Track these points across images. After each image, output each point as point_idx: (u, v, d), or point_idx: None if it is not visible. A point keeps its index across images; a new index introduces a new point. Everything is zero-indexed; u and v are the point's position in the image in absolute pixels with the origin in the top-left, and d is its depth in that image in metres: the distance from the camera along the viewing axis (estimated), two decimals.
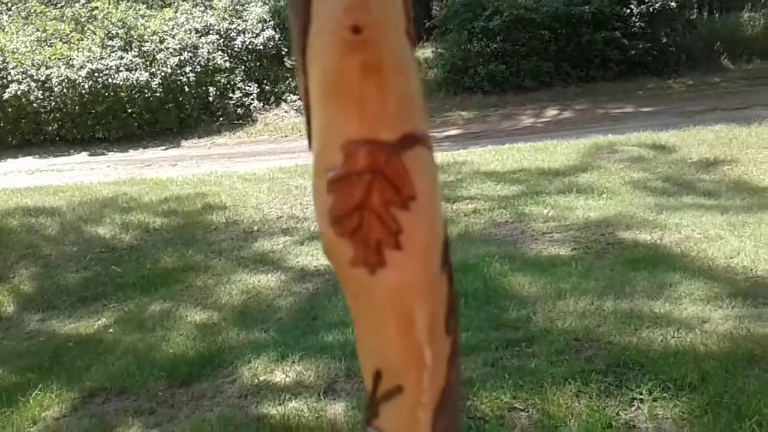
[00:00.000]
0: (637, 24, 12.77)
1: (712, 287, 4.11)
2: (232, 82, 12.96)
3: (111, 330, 4.59)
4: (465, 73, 12.92)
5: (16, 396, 3.73)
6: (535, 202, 6.15)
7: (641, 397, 3.04)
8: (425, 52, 15.70)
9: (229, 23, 13.28)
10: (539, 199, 6.20)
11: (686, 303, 3.92)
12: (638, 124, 9.26)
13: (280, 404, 3.36)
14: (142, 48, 12.44)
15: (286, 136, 12.03)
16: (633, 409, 3.00)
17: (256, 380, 3.63)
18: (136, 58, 12.22)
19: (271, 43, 13.23)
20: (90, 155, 12.02)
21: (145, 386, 3.71)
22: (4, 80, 12.22)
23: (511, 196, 6.44)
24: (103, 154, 12.05)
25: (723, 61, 13.73)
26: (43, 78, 12.13)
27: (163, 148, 12.09)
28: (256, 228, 6.41)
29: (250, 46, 13.19)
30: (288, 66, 13.44)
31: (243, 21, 13.45)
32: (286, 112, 13.11)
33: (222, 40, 13.05)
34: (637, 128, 8.81)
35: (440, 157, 8.44)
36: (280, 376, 3.65)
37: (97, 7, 12.96)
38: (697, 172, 6.63)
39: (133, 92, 12.09)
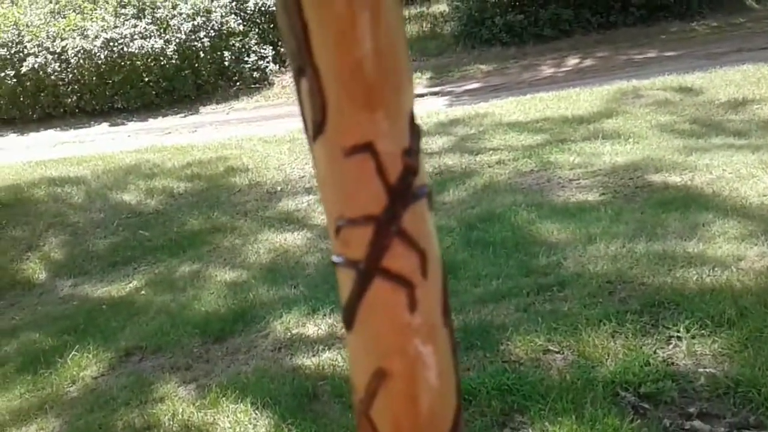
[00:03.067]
0: None
1: (747, 225, 4.03)
2: (246, 46, 12.84)
3: (143, 292, 4.63)
4: (482, 25, 12.66)
5: (54, 358, 3.80)
6: (560, 150, 6.05)
7: (678, 334, 3.01)
8: (440, 6, 15.45)
9: None
10: (564, 147, 6.10)
11: (720, 242, 3.85)
12: (662, 69, 9.04)
13: (314, 355, 3.37)
14: (155, 14, 12.34)
15: None
16: (671, 347, 2.97)
17: (289, 334, 3.64)
18: (149, 26, 12.14)
19: None
20: (110, 126, 12.05)
21: (179, 344, 3.75)
22: (21, 54, 12.22)
23: (535, 145, 6.35)
24: (123, 124, 12.07)
25: (747, 2, 13.33)
26: (59, 50, 12.11)
27: (182, 115, 12.07)
28: (279, 188, 6.40)
29: (263, 8, 13.03)
30: None
31: None
32: None
33: (235, 3, 12.90)
34: (661, 73, 8.60)
35: (461, 110, 8.36)
36: (312, 329, 3.66)
37: None
38: (726, 112, 6.47)
39: (149, 60, 12.04)
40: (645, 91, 7.67)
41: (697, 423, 2.46)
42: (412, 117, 0.63)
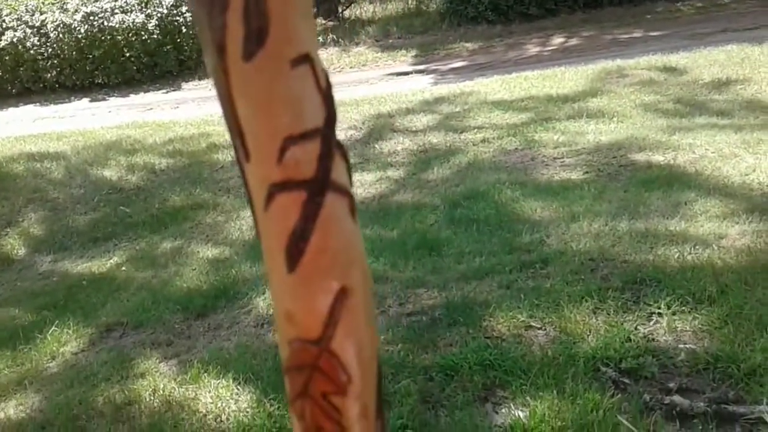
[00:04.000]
0: None
1: (728, 204, 4.05)
2: None
3: (123, 268, 4.59)
4: (468, 3, 12.57)
5: (33, 333, 3.76)
6: (544, 128, 6.05)
7: (659, 311, 3.03)
8: None
9: None
10: (549, 126, 6.09)
11: (702, 220, 3.87)
12: (647, 49, 9.04)
13: None
14: None
15: None
16: (651, 323, 2.99)
17: (271, 310, 3.62)
18: (131, 0, 11.95)
19: None
20: (91, 101, 11.88)
21: (161, 320, 3.73)
22: None
23: (519, 123, 6.33)
24: (104, 99, 11.90)
25: None
26: (38, 24, 11.91)
27: (164, 91, 11.92)
28: None
29: None
30: None
31: None
32: None
33: None
34: (646, 53, 8.60)
35: (446, 88, 8.32)
36: None
37: None
38: (710, 92, 6.49)
39: (130, 35, 11.86)
40: (629, 70, 7.66)
41: (676, 398, 2.48)
42: None
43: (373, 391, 0.66)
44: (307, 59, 0.58)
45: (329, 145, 0.60)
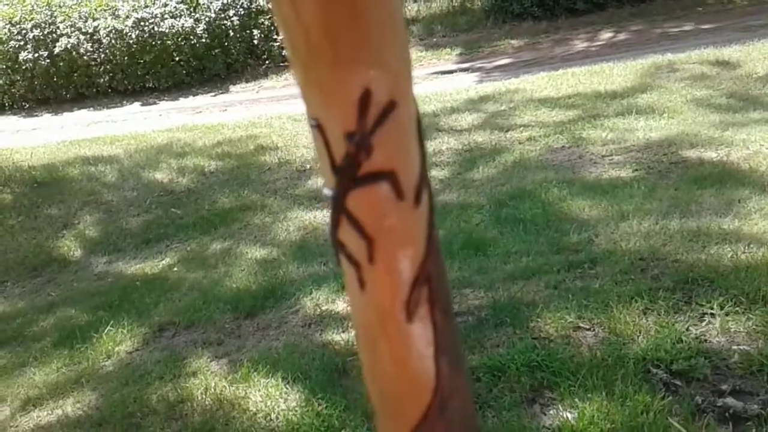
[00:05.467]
0: None
1: None
2: (275, 24, 12.82)
3: (175, 269, 4.70)
4: (513, 0, 12.48)
5: (89, 333, 3.88)
6: (592, 125, 5.96)
7: (712, 311, 2.96)
8: None
9: None
10: (597, 123, 6.01)
11: (756, 218, 3.77)
12: (698, 42, 8.84)
13: (343, 331, 3.40)
14: None
15: None
16: (704, 324, 2.93)
17: (319, 310, 3.67)
18: (179, 5, 12.20)
19: None
20: (142, 105, 12.17)
21: (211, 319, 3.80)
22: (54, 34, 12.37)
23: (567, 121, 6.26)
24: (154, 103, 12.18)
25: None
26: (91, 30, 12.24)
27: (213, 94, 12.14)
28: (308, 166, 6.41)
29: None
30: None
31: None
32: None
33: None
34: (697, 46, 8.41)
35: (491, 86, 8.27)
36: (342, 305, 3.68)
37: None
38: (764, 86, 6.30)
39: (180, 39, 12.10)
40: (680, 65, 7.50)
41: (729, 400, 2.43)
42: (365, 96, 0.59)
43: None
44: (316, 123, 0.62)
45: (335, 209, 0.64)
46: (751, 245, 3.46)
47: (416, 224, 0.64)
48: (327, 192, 0.64)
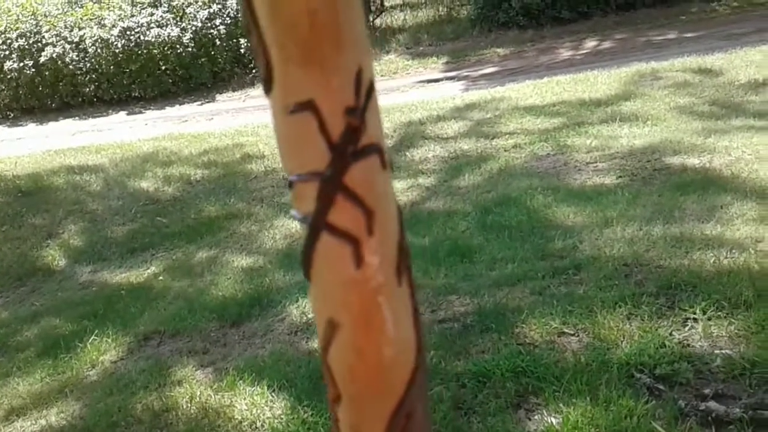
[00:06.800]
0: None
1: (766, 207, 3.98)
2: (254, 16, 12.81)
3: (161, 277, 4.68)
4: (499, 8, 12.55)
5: (73, 342, 3.85)
6: (577, 133, 6.01)
7: (695, 316, 2.99)
8: None
9: None
10: (581, 130, 6.05)
11: (738, 224, 3.81)
12: (682, 50, 8.93)
13: None
14: (171, 3, 12.39)
15: None
16: (687, 328, 2.95)
17: (305, 318, 3.67)
18: (166, 14, 12.19)
19: None
20: (128, 114, 12.13)
21: (197, 328, 3.79)
22: (39, 44, 12.32)
23: (551, 128, 6.30)
24: (140, 112, 12.14)
25: None
26: (76, 39, 12.20)
27: (199, 103, 12.12)
28: None
29: None
30: None
31: None
32: None
33: None
34: (680, 54, 8.50)
35: (476, 94, 8.32)
36: None
37: None
38: (746, 93, 6.38)
39: (166, 48, 12.09)
40: (664, 72, 7.58)
41: (712, 404, 2.45)
42: (359, 75, 0.63)
43: None
44: (308, 106, 0.62)
45: (329, 189, 0.64)
46: (734, 250, 3.49)
47: (391, 187, 0.68)
48: (294, 213, 0.67)
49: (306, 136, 0.63)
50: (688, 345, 2.84)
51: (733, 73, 7.01)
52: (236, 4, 12.45)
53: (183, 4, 12.34)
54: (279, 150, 0.67)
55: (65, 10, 12.68)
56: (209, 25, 12.22)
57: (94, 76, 12.42)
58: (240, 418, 2.90)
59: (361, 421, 0.71)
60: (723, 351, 2.74)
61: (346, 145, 0.63)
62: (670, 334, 2.92)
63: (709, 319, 2.96)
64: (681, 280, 3.31)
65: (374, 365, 0.68)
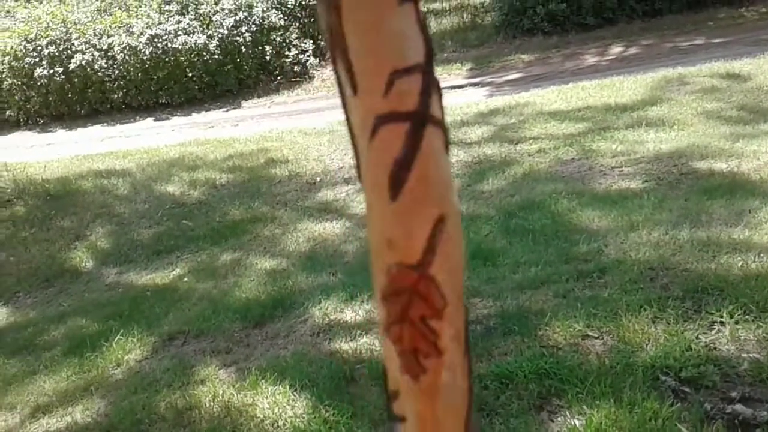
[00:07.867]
0: None
1: None
2: (287, 40, 12.94)
3: (185, 279, 4.72)
4: (524, 15, 12.51)
5: (99, 342, 3.90)
6: (602, 138, 5.96)
7: (722, 320, 2.94)
8: None
9: None
10: (607, 135, 6.01)
11: (767, 228, 3.75)
12: (709, 56, 8.84)
13: (351, 340, 3.40)
14: (198, 10, 12.53)
15: None
16: (713, 332, 2.91)
17: (327, 319, 3.67)
18: (193, 21, 12.33)
19: None
20: (155, 120, 12.27)
21: (220, 328, 3.82)
22: (69, 51, 12.52)
23: (576, 133, 6.26)
24: (167, 118, 12.28)
25: None
26: (105, 47, 12.38)
27: (225, 109, 12.23)
28: (318, 179, 6.44)
29: (303, 2, 13.12)
30: None
31: None
32: None
33: None
34: (708, 60, 8.41)
35: (501, 100, 8.29)
36: (350, 314, 3.69)
37: None
38: None
39: (192, 56, 12.22)
40: (691, 78, 7.50)
41: (738, 407, 2.41)
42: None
43: (462, 318, 0.70)
44: None
45: (429, 80, 0.64)
46: (762, 255, 3.44)
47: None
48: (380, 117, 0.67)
49: (411, 26, 0.64)
50: (715, 348, 2.80)
51: (761, 78, 6.92)
52: (262, 12, 12.57)
53: (210, 12, 12.48)
54: (369, 58, 0.65)
55: (94, 17, 12.88)
56: (235, 32, 12.34)
57: (122, 82, 12.60)
58: (262, 416, 2.91)
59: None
60: (750, 355, 2.70)
61: (429, 38, 0.65)
62: (697, 338, 2.88)
63: (737, 322, 2.91)
64: (708, 283, 3.26)
65: (459, 258, 0.70)
